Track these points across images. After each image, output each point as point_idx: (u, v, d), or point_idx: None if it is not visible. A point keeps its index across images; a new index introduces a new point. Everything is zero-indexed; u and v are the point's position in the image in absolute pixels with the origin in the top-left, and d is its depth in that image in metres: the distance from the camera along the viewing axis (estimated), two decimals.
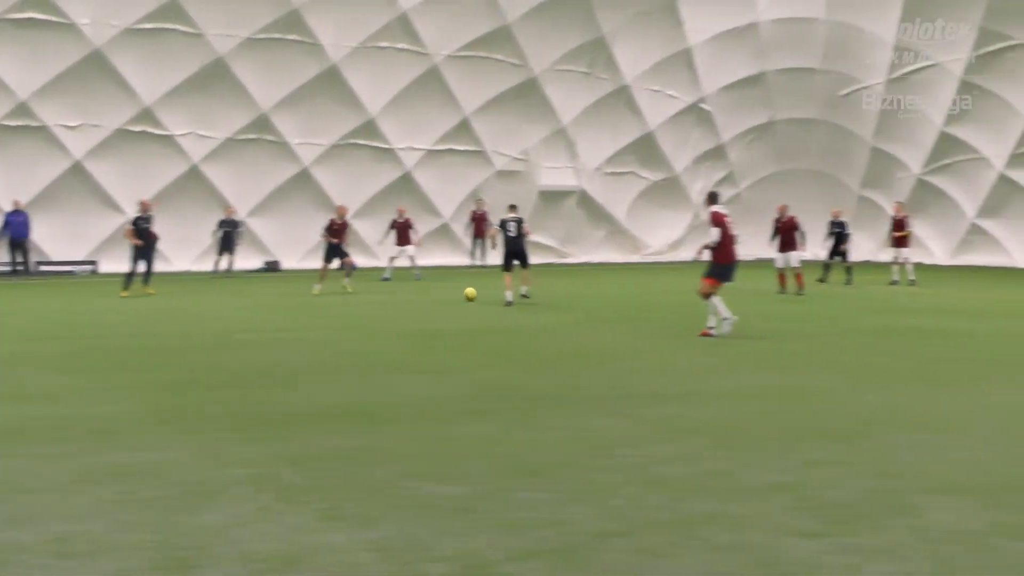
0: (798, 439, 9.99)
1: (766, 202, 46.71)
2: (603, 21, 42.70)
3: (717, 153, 47.73)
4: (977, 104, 43.60)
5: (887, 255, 35.90)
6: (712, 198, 19.56)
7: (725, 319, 18.29)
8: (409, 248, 35.28)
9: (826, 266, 32.44)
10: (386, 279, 33.71)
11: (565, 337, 18.79)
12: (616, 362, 15.59)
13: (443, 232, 42.06)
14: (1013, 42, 41.50)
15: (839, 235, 32.85)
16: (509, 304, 23.84)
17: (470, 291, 25.36)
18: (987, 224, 44.96)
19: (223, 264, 36.75)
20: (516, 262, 25.10)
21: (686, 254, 46.16)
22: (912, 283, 32.51)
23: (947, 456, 9.32)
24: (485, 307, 24.18)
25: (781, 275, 28.88)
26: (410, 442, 9.88)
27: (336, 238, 29.42)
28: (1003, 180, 43.75)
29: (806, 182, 48.27)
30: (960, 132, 44.42)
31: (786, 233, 29.50)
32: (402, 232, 35.47)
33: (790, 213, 30.19)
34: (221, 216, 37.29)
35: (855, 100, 46.95)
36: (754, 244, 44.55)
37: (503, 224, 25.64)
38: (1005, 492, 8.09)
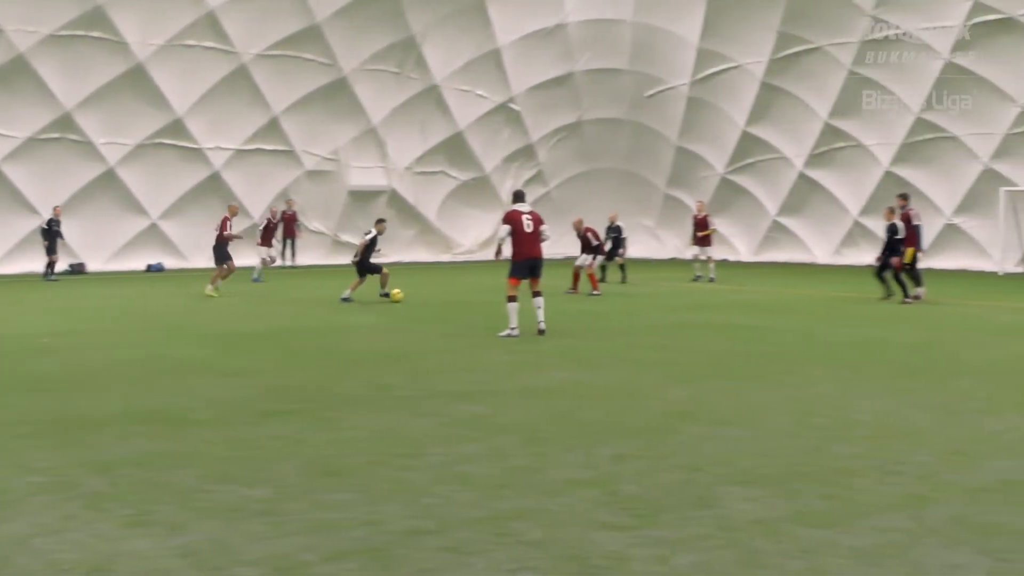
0: (604, 434, 10.13)
1: (574, 201, 47.39)
2: (413, 21, 42.64)
3: (526, 152, 48.12)
4: (777, 105, 44.85)
5: (690, 253, 36.66)
6: (515, 196, 19.74)
7: (511, 328, 18.41)
8: (273, 250, 34.70)
9: (602, 267, 32.82)
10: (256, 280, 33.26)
11: (372, 337, 18.71)
12: (423, 361, 15.58)
13: (253, 233, 41.48)
14: (810, 45, 42.79)
15: (616, 239, 33.36)
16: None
17: (397, 293, 25.55)
18: (788, 222, 46.32)
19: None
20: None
21: (492, 252, 46.48)
22: (712, 281, 33.31)
23: (747, 448, 9.55)
24: (292, 307, 23.96)
25: (576, 273, 29.40)
26: (215, 445, 9.71)
27: (224, 239, 28.71)
28: (803, 179, 45.12)
29: (613, 181, 49.04)
30: (761, 132, 45.66)
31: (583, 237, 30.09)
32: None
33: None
34: (49, 216, 35.75)
35: (661, 100, 47.82)
36: (566, 244, 45.19)
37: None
38: (801, 480, 8.34)
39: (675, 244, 49.37)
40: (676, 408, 11.62)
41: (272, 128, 41.75)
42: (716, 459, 9.07)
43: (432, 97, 44.78)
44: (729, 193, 47.10)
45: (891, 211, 27.08)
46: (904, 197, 27.91)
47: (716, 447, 9.57)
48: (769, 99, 45.02)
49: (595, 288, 28.32)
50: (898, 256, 25.99)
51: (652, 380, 13.72)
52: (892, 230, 26.29)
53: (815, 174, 44.92)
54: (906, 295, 25.79)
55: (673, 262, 46.53)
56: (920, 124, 41.31)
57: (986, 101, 39.46)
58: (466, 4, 43.45)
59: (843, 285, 32.85)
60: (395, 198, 45.28)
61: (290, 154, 42.54)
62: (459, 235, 47.06)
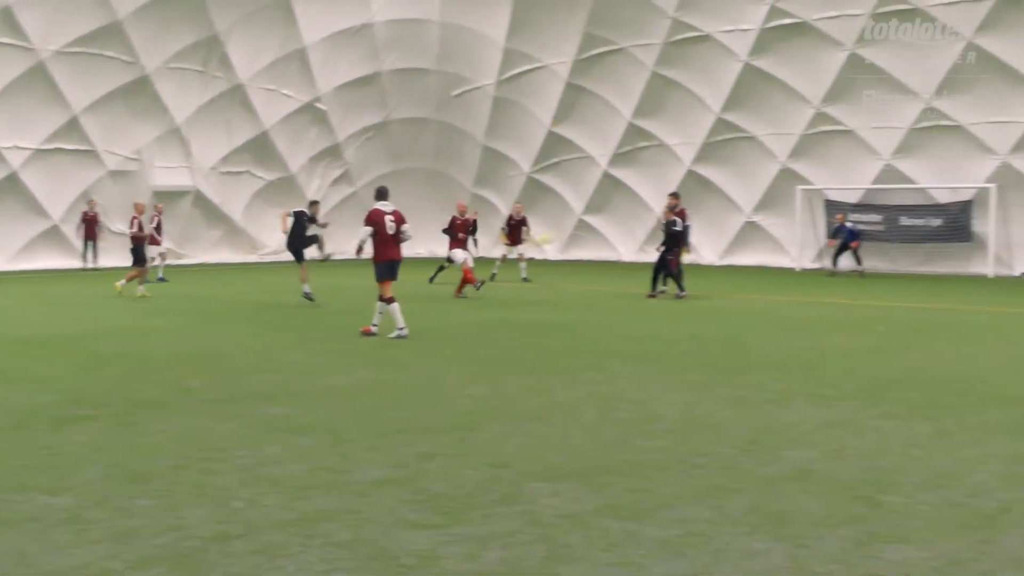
0: (410, 433, 10.14)
1: None
2: (217, 19, 41.87)
3: (333, 152, 47.78)
4: (581, 105, 45.48)
5: (502, 252, 36.85)
6: (378, 194, 19.35)
7: (400, 329, 18.28)
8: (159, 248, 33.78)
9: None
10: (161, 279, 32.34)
11: (173, 339, 18.32)
12: (227, 363, 15.36)
13: (52, 235, 40.28)
14: (614, 46, 43.47)
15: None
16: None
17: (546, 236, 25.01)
18: (594, 220, 47.01)
19: None
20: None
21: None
22: (526, 280, 33.59)
23: (552, 443, 9.67)
24: (93, 309, 23.39)
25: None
26: (11, 454, 9.41)
27: (138, 240, 27.69)
28: (607, 177, 45.83)
29: (421, 180, 49.08)
30: (566, 132, 46.23)
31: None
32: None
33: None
34: None
35: (467, 100, 48.03)
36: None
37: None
38: (606, 474, 8.48)
39: (482, 243, 49.59)
40: (481, 405, 11.70)
41: (72, 127, 40.47)
42: (522, 455, 9.17)
43: (237, 96, 44.10)
44: (535, 192, 47.60)
45: (670, 209, 27.81)
46: (675, 196, 28.56)
47: (522, 443, 9.67)
48: (574, 99, 45.63)
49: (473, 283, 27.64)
50: (674, 253, 26.96)
51: (457, 378, 13.79)
52: (671, 225, 27.18)
53: (619, 173, 45.70)
54: (680, 290, 27.02)
55: (480, 261, 46.74)
56: (720, 124, 42.33)
57: (783, 102, 40.64)
58: (271, 2, 42.88)
59: (646, 282, 33.45)
60: (200, 198, 44.43)
61: (91, 154, 41.33)
62: (265, 236, 46.44)
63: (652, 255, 45.08)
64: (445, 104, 48.52)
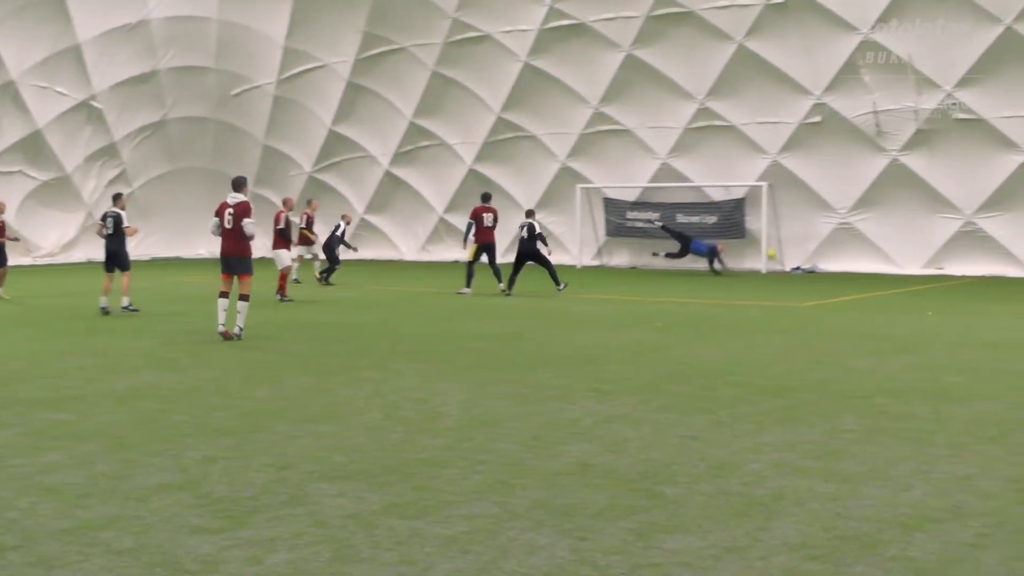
0: (192, 436, 9.98)
1: (160, 201, 46.38)
2: None
3: (109, 151, 46.60)
4: (362, 104, 45.39)
5: (298, 252, 36.48)
6: (483, 197, 19.63)
7: (219, 325, 18.06)
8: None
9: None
10: None
11: None
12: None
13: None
14: (394, 46, 43.49)
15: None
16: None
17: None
18: (375, 219, 47.00)
19: None
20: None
21: (80, 255, 44.88)
22: (297, 282, 33.40)
23: (337, 444, 9.64)
24: None
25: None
26: None
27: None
28: (389, 177, 45.88)
29: (200, 180, 48.31)
30: (347, 131, 46.10)
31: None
32: None
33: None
34: None
35: (247, 99, 47.47)
36: (152, 244, 44.20)
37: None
38: (391, 474, 8.50)
39: (264, 243, 49.05)
40: (264, 407, 11.59)
41: None
42: (306, 456, 9.12)
43: (8, 93, 42.62)
44: (317, 191, 47.30)
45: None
46: (486, 197, 28.79)
47: (306, 444, 9.62)
48: (355, 98, 45.53)
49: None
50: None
51: (240, 380, 13.63)
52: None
53: (401, 172, 45.80)
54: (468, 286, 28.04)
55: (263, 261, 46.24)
56: (501, 123, 42.76)
57: (562, 102, 41.27)
58: None
59: (429, 281, 33.61)
60: None
61: None
62: (39, 238, 44.98)
63: (435, 254, 45.42)
64: (224, 103, 47.87)
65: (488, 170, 43.65)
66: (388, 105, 44.98)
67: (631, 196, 41.37)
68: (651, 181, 40.78)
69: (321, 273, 32.60)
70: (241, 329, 18.13)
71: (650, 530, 7.01)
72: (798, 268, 38.70)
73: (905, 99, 35.66)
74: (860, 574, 6.16)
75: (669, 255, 38.28)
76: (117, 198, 23.73)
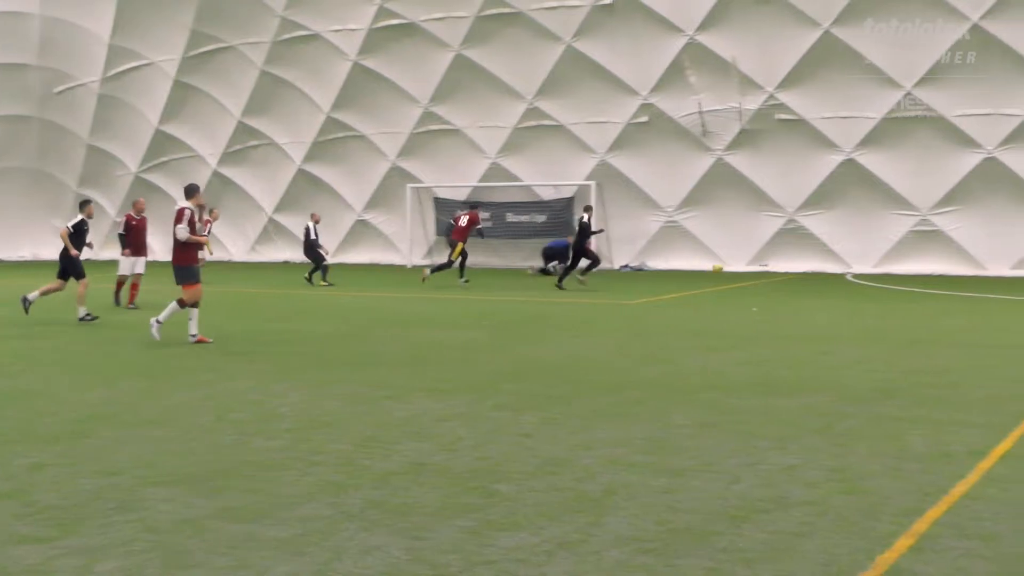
0: (18, 443, 9.72)
1: None
2: None
3: None
4: (190, 103, 44.77)
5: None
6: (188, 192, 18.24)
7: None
8: None
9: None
10: None
11: None
12: None
13: None
14: (223, 44, 42.97)
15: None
16: None
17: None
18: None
19: None
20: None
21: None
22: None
23: (168, 448, 9.50)
24: None
25: (120, 283, 25.67)
26: None
27: None
28: (217, 176, 45.38)
29: (23, 181, 47.22)
30: (175, 130, 45.42)
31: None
32: None
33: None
34: None
35: (71, 97, 46.43)
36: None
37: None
38: (224, 477, 8.41)
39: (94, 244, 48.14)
40: (93, 412, 11.35)
41: None
42: (137, 461, 8.97)
43: None
44: (143, 192, 46.47)
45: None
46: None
47: (136, 449, 9.46)
48: (183, 97, 44.89)
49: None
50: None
51: (68, 384, 13.34)
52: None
53: (229, 172, 45.29)
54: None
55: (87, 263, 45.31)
56: (330, 123, 42.56)
57: (392, 102, 41.24)
58: None
59: (258, 281, 33.29)
60: None
61: None
62: None
63: (264, 254, 44.97)
64: (47, 101, 46.74)
65: (318, 170, 43.44)
66: (216, 104, 44.43)
67: (462, 195, 41.52)
68: (481, 180, 41.02)
69: (309, 275, 32.48)
70: (159, 322, 17.83)
71: (485, 528, 7.06)
72: (626, 266, 39.28)
73: (729, 100, 36.46)
74: (691, 566, 6.29)
75: (545, 271, 37.76)
76: (86, 204, 22.76)
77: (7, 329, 20.13)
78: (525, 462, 8.91)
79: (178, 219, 17.67)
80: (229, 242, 46.43)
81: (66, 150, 47.72)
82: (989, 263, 35.26)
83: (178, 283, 17.92)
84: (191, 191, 18.21)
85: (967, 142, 34.51)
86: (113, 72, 45.43)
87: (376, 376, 13.82)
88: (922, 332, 19.22)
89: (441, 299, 26.59)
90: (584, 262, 29.49)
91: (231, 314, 23.17)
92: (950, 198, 35.29)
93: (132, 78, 45.38)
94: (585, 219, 29.32)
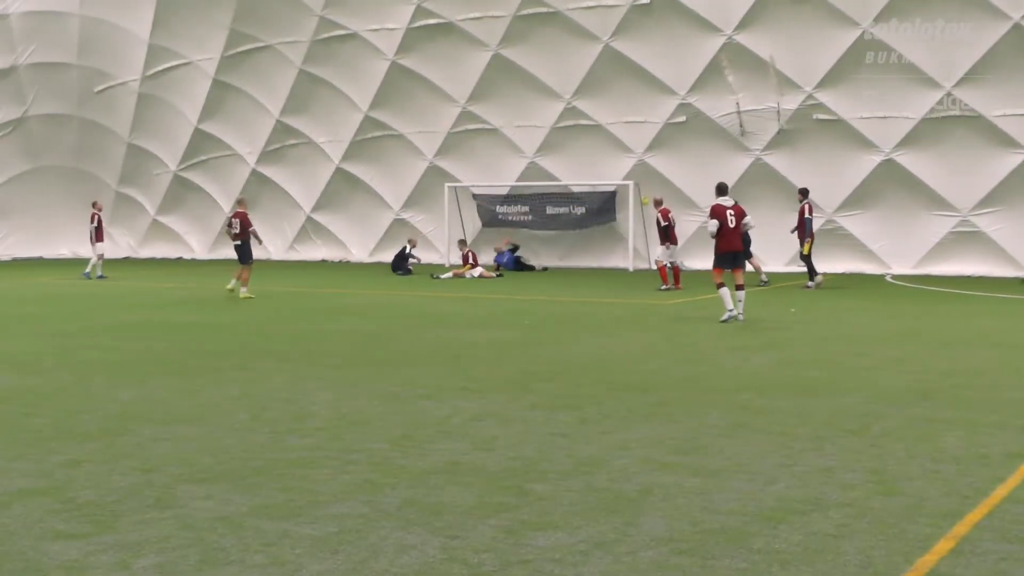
0: (55, 440, 9.79)
1: (21, 200, 45.37)
2: None
3: None
4: (229, 102, 44.90)
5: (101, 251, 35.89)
6: (718, 190, 20.84)
7: (729, 311, 20.24)
8: None
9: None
10: None
11: None
12: None
13: None
14: (261, 43, 43.08)
15: None
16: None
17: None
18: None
19: None
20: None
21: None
22: (101, 278, 33.40)
23: (203, 446, 9.54)
24: None
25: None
26: None
27: None
28: (256, 175, 45.45)
29: (62, 179, 47.42)
30: (213, 129, 45.55)
31: None
32: None
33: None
34: None
35: (110, 96, 46.65)
36: (12, 244, 43.21)
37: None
38: (259, 475, 8.43)
39: (128, 243, 48.45)
40: (129, 410, 11.41)
41: None
42: (172, 459, 9.00)
43: None
44: (182, 190, 46.77)
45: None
46: (803, 192, 30.69)
47: (172, 447, 9.50)
48: (221, 96, 45.00)
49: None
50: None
51: (102, 382, 13.40)
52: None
53: (268, 171, 45.37)
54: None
55: (127, 261, 45.60)
56: (368, 122, 42.59)
57: (429, 101, 41.26)
58: None
59: (298, 280, 33.37)
60: None
61: None
62: None
63: (303, 253, 45.09)
64: (87, 100, 46.94)
65: (356, 169, 43.48)
66: (255, 103, 44.53)
67: (500, 194, 41.50)
68: (519, 180, 40.94)
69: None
70: (731, 311, 20.30)
71: (520, 527, 7.05)
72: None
73: (767, 100, 36.29)
74: (727, 567, 6.27)
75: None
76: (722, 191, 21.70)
77: (33, 325, 20.27)
78: (560, 462, 8.89)
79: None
80: (267, 241, 46.56)
81: (105, 149, 47.93)
82: None
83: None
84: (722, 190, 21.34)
85: (1008, 142, 34.21)
86: (152, 71, 45.59)
87: (409, 375, 13.83)
88: (959, 333, 19.07)
89: (473, 299, 26.57)
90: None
91: (267, 313, 23.21)
92: (991, 199, 34.97)
93: (171, 77, 45.54)
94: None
